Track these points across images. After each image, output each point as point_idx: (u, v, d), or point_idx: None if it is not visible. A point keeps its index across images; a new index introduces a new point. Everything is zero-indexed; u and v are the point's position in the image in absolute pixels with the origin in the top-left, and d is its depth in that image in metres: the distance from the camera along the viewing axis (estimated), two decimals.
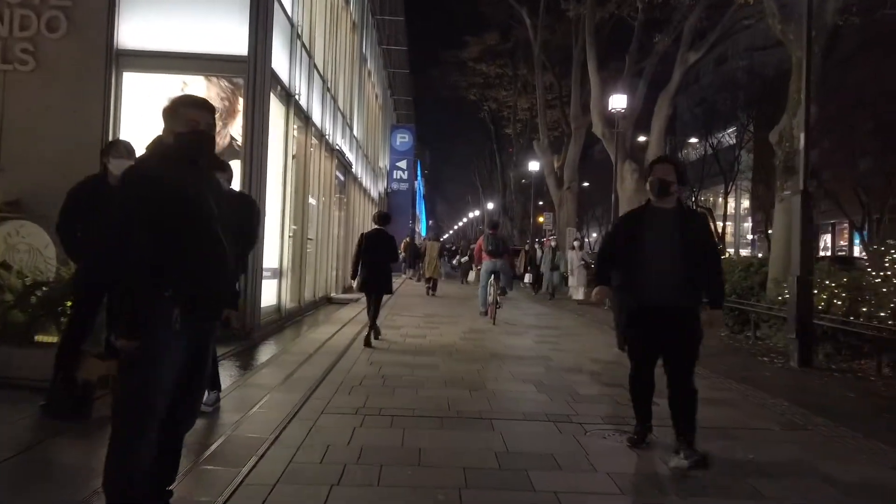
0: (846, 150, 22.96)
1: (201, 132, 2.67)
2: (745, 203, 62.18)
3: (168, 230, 2.49)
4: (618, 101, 16.47)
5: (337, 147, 14.63)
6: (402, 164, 30.00)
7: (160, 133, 2.69)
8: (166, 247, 2.47)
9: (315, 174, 12.79)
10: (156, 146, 2.67)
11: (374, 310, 8.21)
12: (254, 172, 8.27)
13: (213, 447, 3.84)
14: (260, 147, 8.34)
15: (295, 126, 11.20)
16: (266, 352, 7.68)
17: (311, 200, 12.52)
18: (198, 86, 8.33)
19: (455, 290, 21.16)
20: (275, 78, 9.01)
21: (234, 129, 8.34)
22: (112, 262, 2.54)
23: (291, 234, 10.95)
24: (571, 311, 14.28)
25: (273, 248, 9.60)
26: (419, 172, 58.45)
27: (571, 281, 15.91)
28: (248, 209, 4.78)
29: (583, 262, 15.66)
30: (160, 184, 2.52)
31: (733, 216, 56.11)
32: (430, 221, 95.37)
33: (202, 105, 2.72)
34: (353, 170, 18.23)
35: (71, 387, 3.74)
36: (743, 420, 5.07)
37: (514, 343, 8.95)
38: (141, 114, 7.94)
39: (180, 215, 2.52)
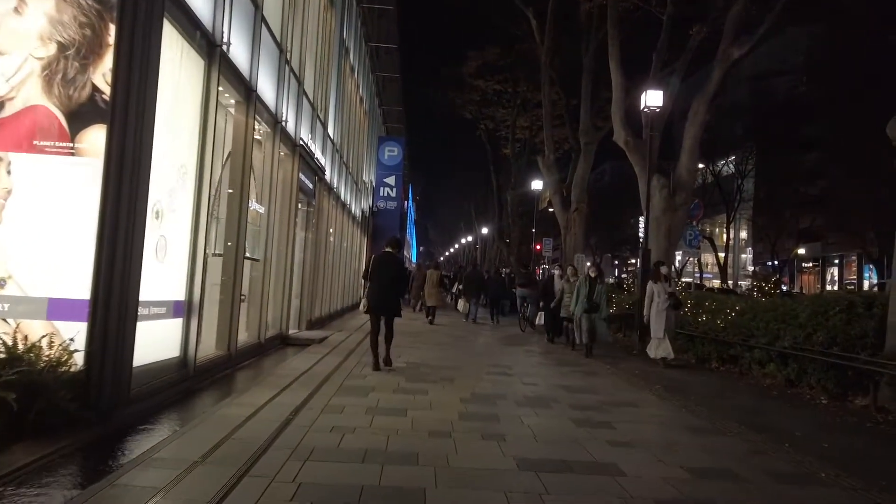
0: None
1: None
2: (743, 234, 59.53)
3: None
4: (653, 99, 13.36)
5: (301, 143, 11.38)
6: (391, 179, 26.74)
7: None
8: None
9: (264, 171, 9.53)
10: None
11: (386, 335, 8.26)
12: (128, 143, 5.03)
13: None
14: (139, 103, 5.11)
15: (232, 100, 8.01)
16: (122, 454, 4.33)
17: (257, 207, 9.24)
18: (42, 4, 5.13)
19: (450, 320, 18.31)
20: (178, 5, 5.82)
21: (99, 76, 5.12)
22: None
23: (219, 252, 7.67)
24: (596, 357, 10.90)
25: (171, 269, 6.24)
26: (410, 196, 55.29)
27: (655, 328, 10.49)
28: None
29: (669, 301, 10.46)
30: None
31: (732, 247, 53.13)
32: (421, 248, 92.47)
33: None
34: (327, 176, 14.91)
35: None
36: None
37: (544, 426, 5.65)
38: None
39: None
